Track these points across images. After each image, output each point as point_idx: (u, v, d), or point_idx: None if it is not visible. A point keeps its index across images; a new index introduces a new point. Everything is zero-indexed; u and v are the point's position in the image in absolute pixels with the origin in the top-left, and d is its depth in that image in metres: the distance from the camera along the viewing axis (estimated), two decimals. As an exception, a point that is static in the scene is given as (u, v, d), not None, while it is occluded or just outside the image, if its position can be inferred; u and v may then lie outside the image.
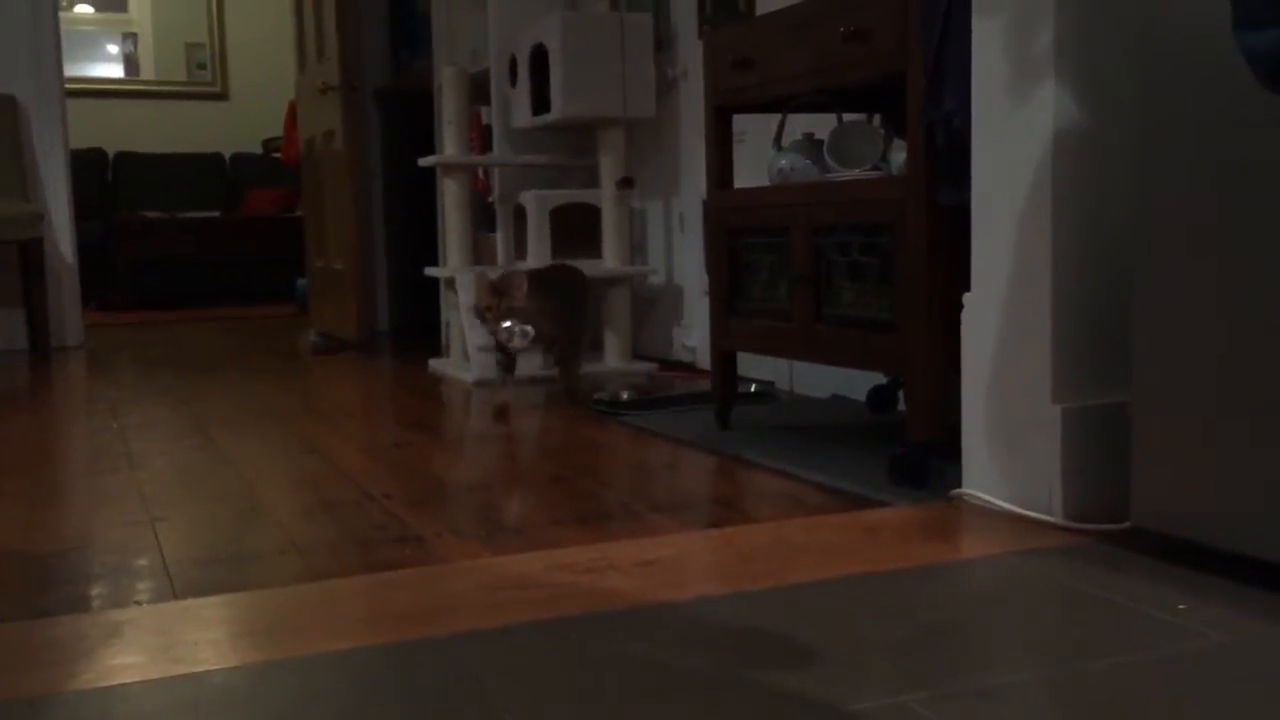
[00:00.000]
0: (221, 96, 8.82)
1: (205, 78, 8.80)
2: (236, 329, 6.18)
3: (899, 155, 2.21)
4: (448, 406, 3.36)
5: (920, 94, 1.94)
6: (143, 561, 1.70)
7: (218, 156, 8.56)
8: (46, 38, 5.16)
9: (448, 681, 1.20)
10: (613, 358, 3.84)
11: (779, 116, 2.55)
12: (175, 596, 1.52)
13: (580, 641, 1.30)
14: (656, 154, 4.09)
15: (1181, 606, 1.37)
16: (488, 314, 2.95)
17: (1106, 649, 1.25)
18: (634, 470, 2.32)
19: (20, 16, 5.08)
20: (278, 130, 7.74)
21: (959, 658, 1.24)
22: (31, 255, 4.94)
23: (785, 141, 2.56)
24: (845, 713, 1.09)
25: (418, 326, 5.76)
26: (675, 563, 1.62)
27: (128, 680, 1.22)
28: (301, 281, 6.55)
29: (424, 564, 1.66)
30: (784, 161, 2.48)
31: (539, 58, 3.80)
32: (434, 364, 4.17)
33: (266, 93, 8.34)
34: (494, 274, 3.05)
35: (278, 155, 7.62)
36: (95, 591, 1.55)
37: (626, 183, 3.83)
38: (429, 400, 3.47)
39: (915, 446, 2.01)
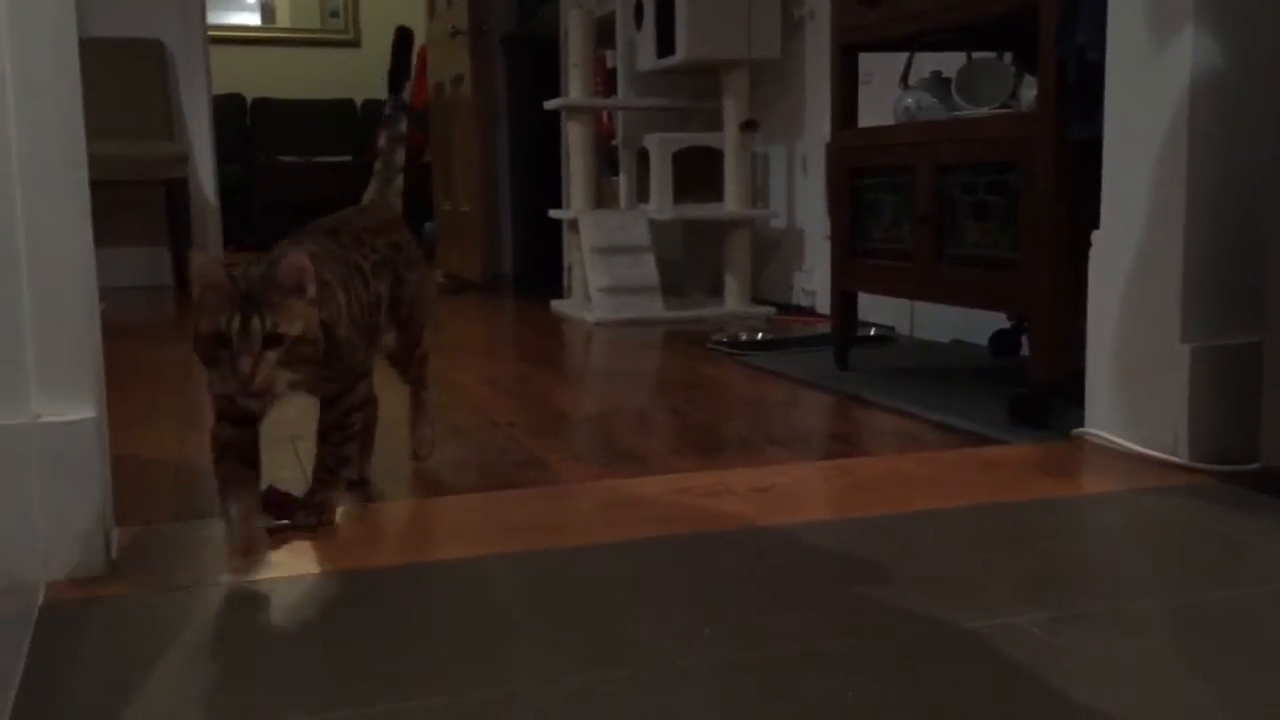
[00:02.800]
0: (353, 44, 9.02)
1: (338, 25, 9.00)
2: (366, 270, 6.36)
3: (1028, 93, 2.17)
4: (568, 344, 3.44)
5: (1054, 26, 1.91)
6: (284, 475, 1.80)
7: (349, 102, 8.77)
8: (191, -15, 5.35)
9: (572, 589, 1.25)
10: (731, 301, 3.86)
11: (905, 55, 2.52)
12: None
13: (697, 556, 1.35)
14: (781, 96, 4.07)
15: (1308, 545, 1.35)
16: (221, 351, 1.30)
17: (1226, 582, 1.24)
18: (751, 406, 2.35)
19: (167, -35, 5.28)
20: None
21: (1073, 585, 1.25)
22: (177, 195, 5.17)
23: (912, 80, 2.53)
24: (958, 630, 1.11)
25: (541, 269, 5.86)
26: (790, 489, 1.65)
27: (276, 575, 1.31)
28: (429, 225, 6.70)
29: (547, 485, 1.72)
30: (910, 100, 2.45)
31: (665, 0, 3.81)
32: (556, 305, 4.25)
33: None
34: (245, 263, 1.36)
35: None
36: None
37: (749, 125, 3.83)
38: (550, 338, 3.55)
39: (1037, 386, 1.99)
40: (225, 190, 5.77)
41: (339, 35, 9.05)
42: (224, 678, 1.03)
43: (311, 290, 1.32)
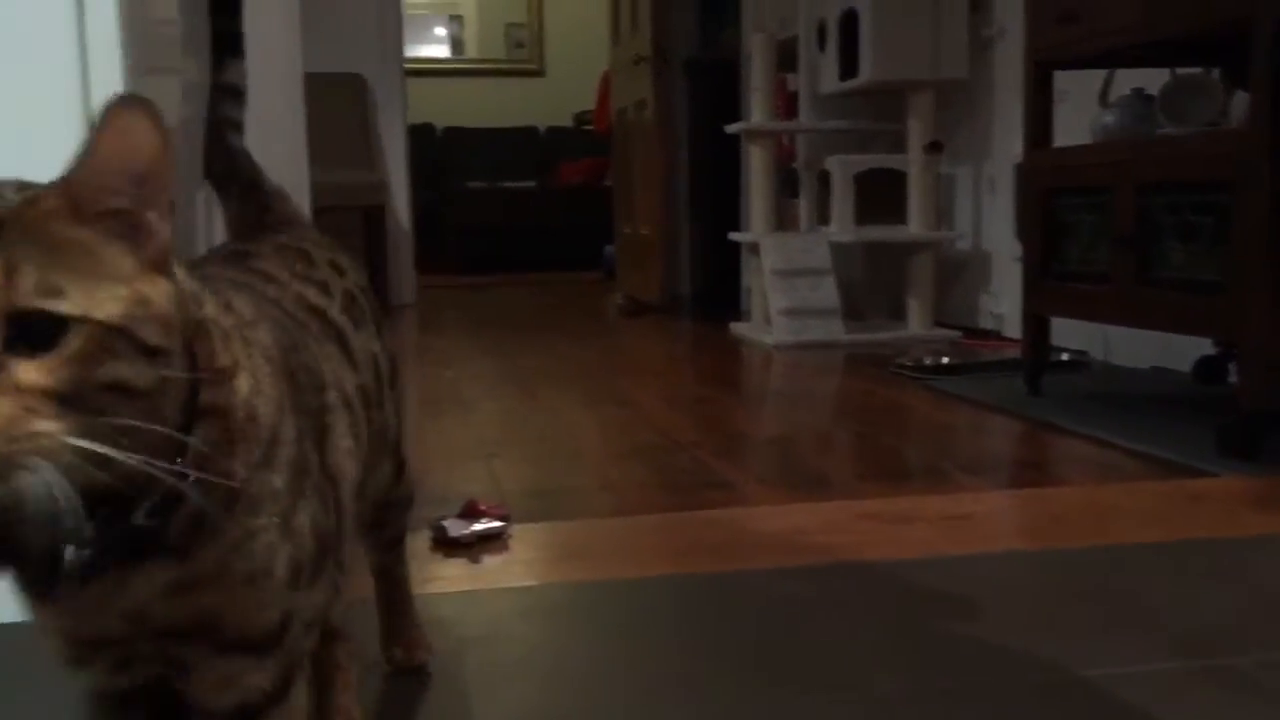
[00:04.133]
0: (538, 73, 9.29)
1: (523, 55, 9.29)
2: (549, 292, 6.53)
3: (1239, 109, 2.07)
4: (748, 366, 3.44)
5: (1269, 39, 1.82)
6: (482, 490, 1.86)
7: (533, 130, 9.03)
8: (390, 22, 5.62)
9: (760, 608, 1.26)
10: (914, 324, 3.80)
11: (1104, 74, 2.44)
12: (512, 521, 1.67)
13: (887, 584, 1.34)
14: (968, 117, 3.99)
15: None
16: None
17: None
18: (938, 431, 2.31)
19: (367, 3, 5.56)
20: (589, 104, 8.09)
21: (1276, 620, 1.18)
22: (374, 220, 5.42)
23: (1111, 98, 2.45)
24: (1160, 672, 1.07)
25: (720, 291, 5.89)
26: (984, 518, 1.62)
27: (469, 588, 1.36)
28: (609, 248, 6.82)
29: (735, 506, 1.73)
30: (1109, 118, 2.37)
31: (849, 21, 3.79)
32: (735, 327, 4.26)
33: (578, 69, 8.71)
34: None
35: (589, 128, 7.94)
36: (443, 513, 1.72)
37: (935, 147, 3.77)
38: (729, 360, 3.56)
39: (1248, 415, 1.89)
40: (417, 216, 6.02)
41: (524, 65, 9.33)
42: None
43: (163, 234, 0.56)
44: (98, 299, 0.51)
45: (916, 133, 3.77)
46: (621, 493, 1.83)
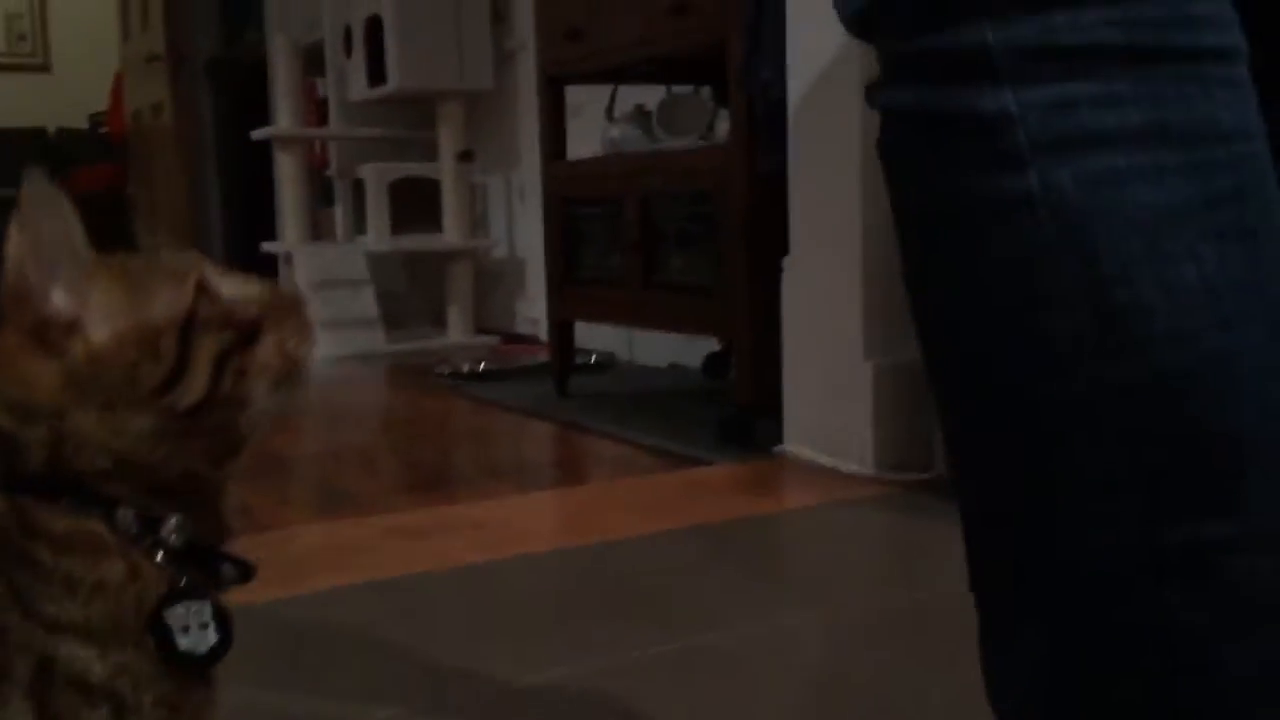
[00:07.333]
0: (43, 68, 8.40)
1: (26, 50, 8.36)
2: (64, 311, 5.93)
3: (724, 126, 2.27)
4: (286, 383, 3.31)
5: (740, 63, 2.00)
6: None
7: (40, 131, 8.15)
8: None
9: (268, 644, 1.20)
10: (455, 332, 3.84)
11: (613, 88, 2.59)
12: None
13: (404, 600, 1.32)
14: (497, 127, 4.08)
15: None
16: None
17: (900, 586, 1.33)
18: (473, 438, 2.34)
19: None
20: (105, 104, 7.43)
21: (765, 597, 1.31)
22: None
23: (617, 113, 2.60)
24: (649, 655, 1.14)
25: (258, 305, 5.62)
26: (504, 523, 1.65)
27: None
28: (134, 261, 6.32)
29: (264, 531, 1.64)
30: (615, 132, 2.52)
31: (374, 28, 3.75)
32: (273, 342, 4.08)
33: (91, 65, 7.97)
34: None
35: (106, 130, 7.30)
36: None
37: (466, 156, 3.82)
38: (266, 377, 3.41)
39: (742, 407, 2.08)
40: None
41: (28, 59, 8.41)
42: None
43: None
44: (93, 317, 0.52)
45: (448, 141, 3.81)
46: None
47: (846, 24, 0.56)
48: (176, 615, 0.52)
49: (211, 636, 0.53)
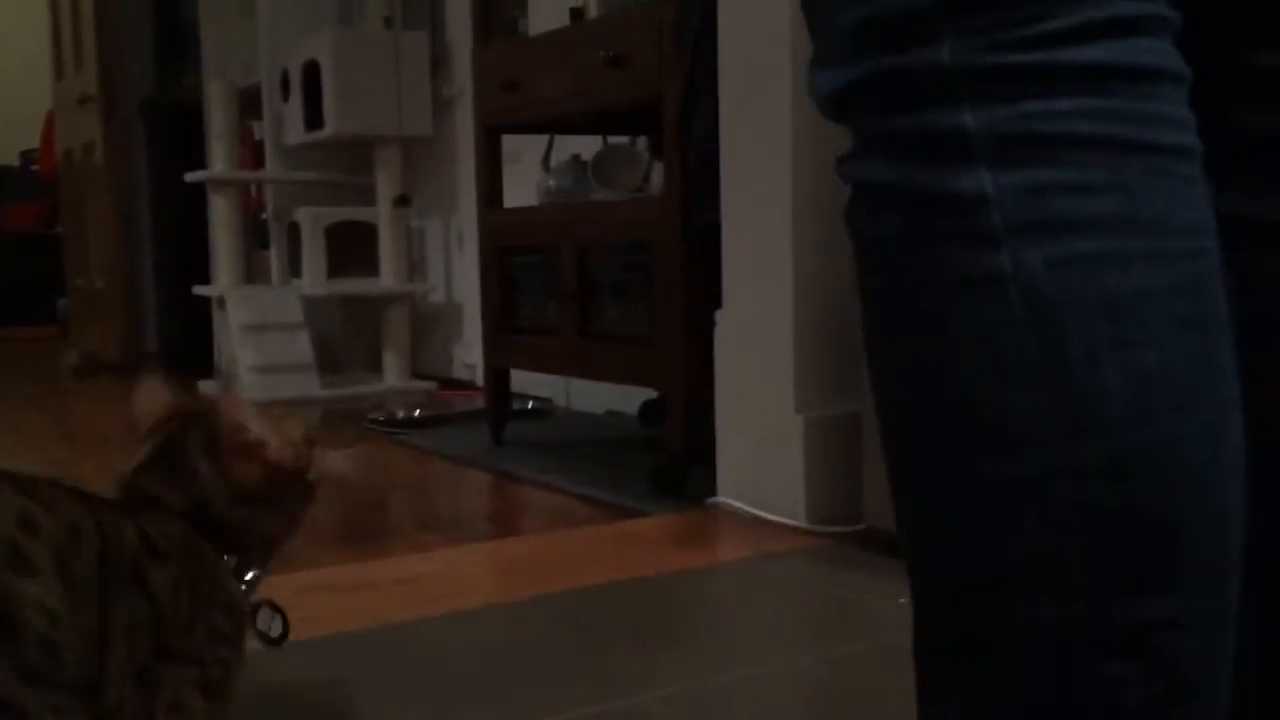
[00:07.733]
0: (-29, 105, 8.25)
1: (-46, 84, 8.21)
2: (-11, 352, 5.79)
3: (661, 177, 2.30)
4: (216, 429, 3.26)
5: (675, 117, 2.03)
6: None
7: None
8: None
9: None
10: (391, 377, 3.80)
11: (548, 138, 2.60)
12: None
13: (331, 661, 1.30)
14: (435, 172, 4.08)
15: (902, 600, 1.47)
16: None
17: (829, 642, 1.34)
18: (406, 489, 2.31)
19: None
20: (37, 141, 7.30)
21: (693, 656, 1.30)
22: None
23: (554, 163, 2.61)
24: (582, 714, 1.13)
25: (191, 347, 5.54)
26: (434, 579, 1.64)
27: None
28: (62, 301, 6.20)
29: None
30: (551, 182, 2.53)
31: (312, 73, 3.74)
32: (204, 386, 4.02)
33: (23, 101, 7.85)
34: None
35: (36, 168, 7.18)
36: None
37: (403, 200, 3.81)
38: (197, 423, 3.35)
39: (675, 456, 2.09)
40: None
41: (-45, 94, 8.25)
42: None
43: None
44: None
45: (385, 186, 3.79)
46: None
47: (821, 105, 0.57)
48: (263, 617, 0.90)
49: (279, 627, 0.92)
